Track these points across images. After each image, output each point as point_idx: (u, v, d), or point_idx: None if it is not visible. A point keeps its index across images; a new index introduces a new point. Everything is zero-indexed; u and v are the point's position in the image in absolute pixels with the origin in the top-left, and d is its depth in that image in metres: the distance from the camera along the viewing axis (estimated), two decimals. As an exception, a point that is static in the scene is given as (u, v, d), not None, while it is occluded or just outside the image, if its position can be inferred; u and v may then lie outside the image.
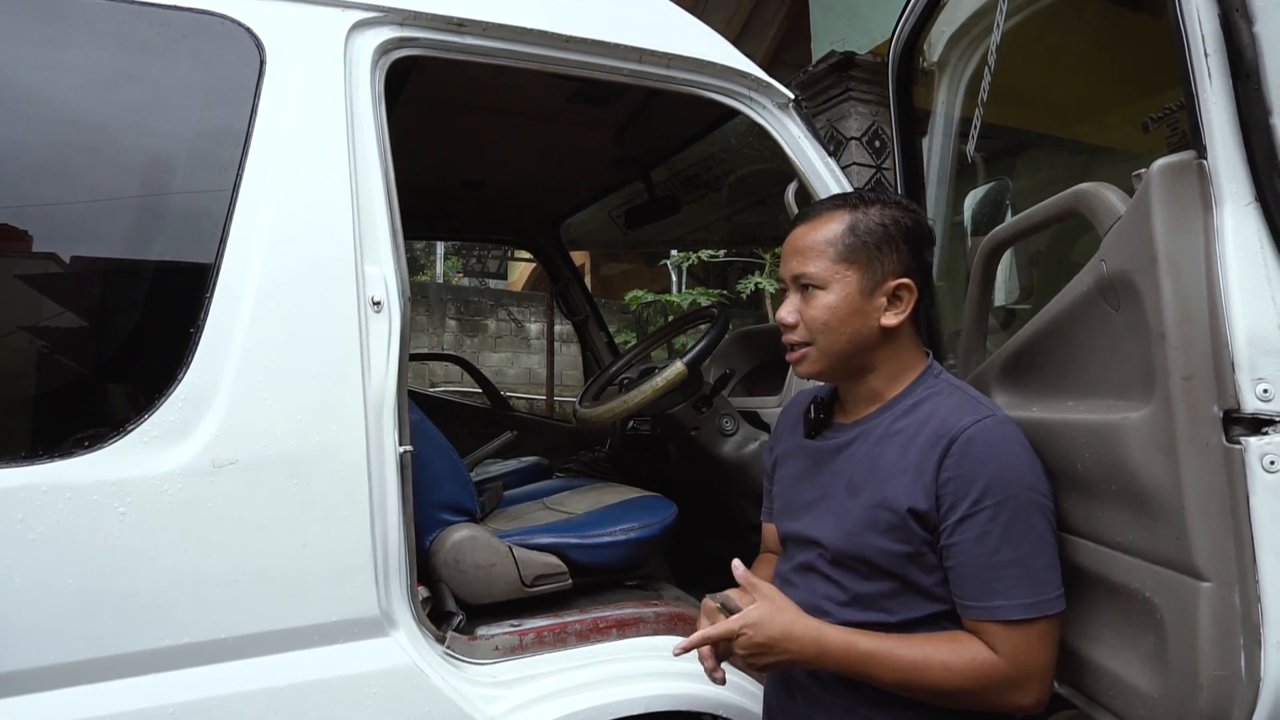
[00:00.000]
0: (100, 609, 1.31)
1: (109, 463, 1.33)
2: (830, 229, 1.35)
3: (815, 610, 1.32)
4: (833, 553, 1.33)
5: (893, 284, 1.33)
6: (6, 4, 1.39)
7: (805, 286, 1.35)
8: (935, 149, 2.16)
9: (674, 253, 10.20)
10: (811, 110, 4.38)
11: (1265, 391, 0.97)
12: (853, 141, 4.08)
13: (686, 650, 1.30)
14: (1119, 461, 1.10)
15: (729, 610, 1.30)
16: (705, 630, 1.29)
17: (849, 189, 2.20)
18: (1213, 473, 0.99)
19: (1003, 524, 1.20)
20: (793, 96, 2.16)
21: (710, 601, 1.37)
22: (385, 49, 1.67)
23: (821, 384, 1.53)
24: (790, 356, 1.40)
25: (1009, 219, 1.50)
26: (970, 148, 1.81)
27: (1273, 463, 0.97)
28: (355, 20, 1.63)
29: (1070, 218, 1.26)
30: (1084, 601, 1.26)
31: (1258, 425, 0.97)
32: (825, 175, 2.15)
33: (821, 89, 4.24)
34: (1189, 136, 1.02)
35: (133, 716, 1.32)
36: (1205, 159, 1.01)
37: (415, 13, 1.68)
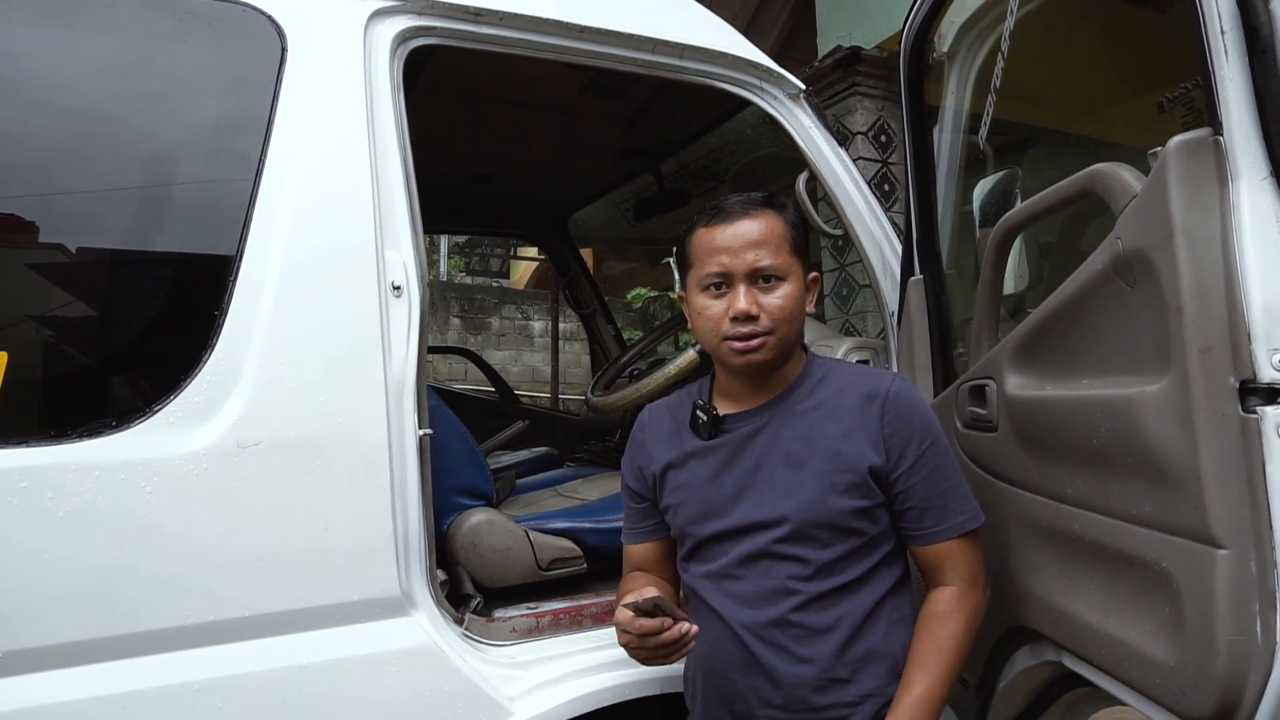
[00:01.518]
0: (127, 586, 1.33)
1: (136, 443, 1.34)
2: (778, 224, 1.42)
3: (780, 593, 1.36)
4: (794, 525, 1.35)
5: (810, 275, 1.47)
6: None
7: (766, 278, 1.38)
8: (945, 140, 2.17)
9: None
10: (819, 104, 4.41)
11: (1280, 362, 0.99)
12: (858, 136, 4.10)
13: None
14: (1135, 434, 1.12)
15: (665, 612, 1.25)
16: None
17: (860, 180, 2.22)
18: (1229, 442, 1.01)
19: (939, 458, 1.40)
20: (804, 87, 2.18)
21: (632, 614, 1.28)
22: (404, 37, 1.69)
23: (677, 391, 1.63)
24: (749, 345, 1.38)
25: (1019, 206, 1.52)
26: (982, 136, 1.83)
27: (1288, 432, 0.99)
28: (375, 8, 1.66)
29: (1086, 198, 1.28)
30: (1099, 575, 1.28)
31: (1274, 395, 0.99)
32: (836, 165, 2.17)
33: (827, 84, 4.26)
34: (1205, 113, 1.04)
35: (158, 693, 1.34)
36: (1221, 135, 1.03)
37: (433, 1, 1.71)
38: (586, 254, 11.37)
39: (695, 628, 1.28)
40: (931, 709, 1.32)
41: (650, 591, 1.32)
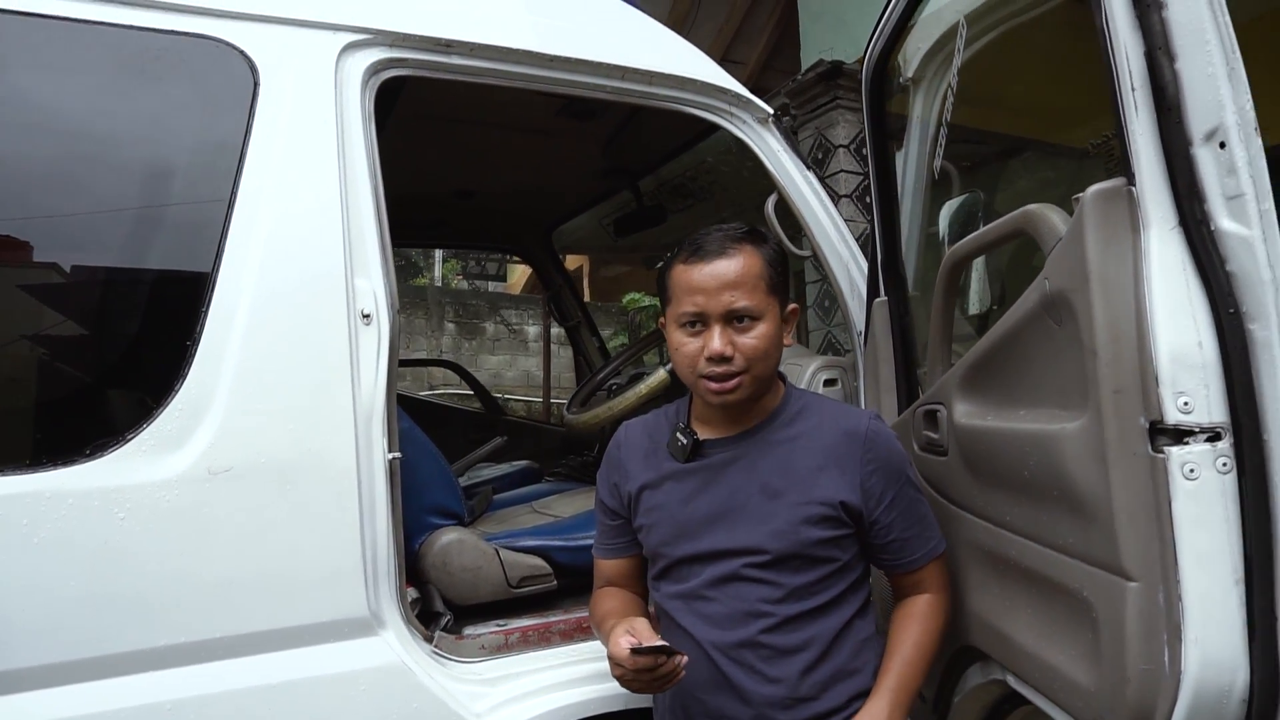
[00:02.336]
0: (101, 610, 1.37)
1: (109, 470, 1.39)
2: (755, 263, 1.42)
3: (750, 614, 1.41)
4: (772, 554, 1.39)
5: (789, 309, 1.50)
6: (16, 32, 1.45)
7: (740, 319, 1.40)
8: (911, 162, 2.22)
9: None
10: (801, 117, 4.46)
11: (1186, 404, 1.03)
12: (840, 149, 4.14)
13: None
14: (1058, 468, 1.17)
15: (662, 650, 1.29)
16: None
17: (827, 201, 2.26)
18: (1139, 479, 1.06)
19: (913, 492, 1.48)
20: (772, 112, 2.22)
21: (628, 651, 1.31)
22: (375, 69, 1.73)
23: (655, 411, 1.66)
24: (721, 386, 1.40)
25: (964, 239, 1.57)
26: (937, 165, 1.87)
27: (1192, 470, 1.03)
28: (346, 42, 1.69)
29: (1020, 237, 1.33)
30: (1034, 600, 1.32)
31: (1180, 436, 1.04)
32: (804, 188, 2.21)
33: (810, 97, 4.30)
34: (1120, 164, 1.09)
35: (133, 713, 1.38)
36: (1134, 185, 1.08)
37: (404, 35, 1.75)
38: (583, 258, 11.44)
39: (686, 658, 1.32)
40: (908, 694, 1.42)
41: (640, 624, 1.35)
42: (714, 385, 1.41)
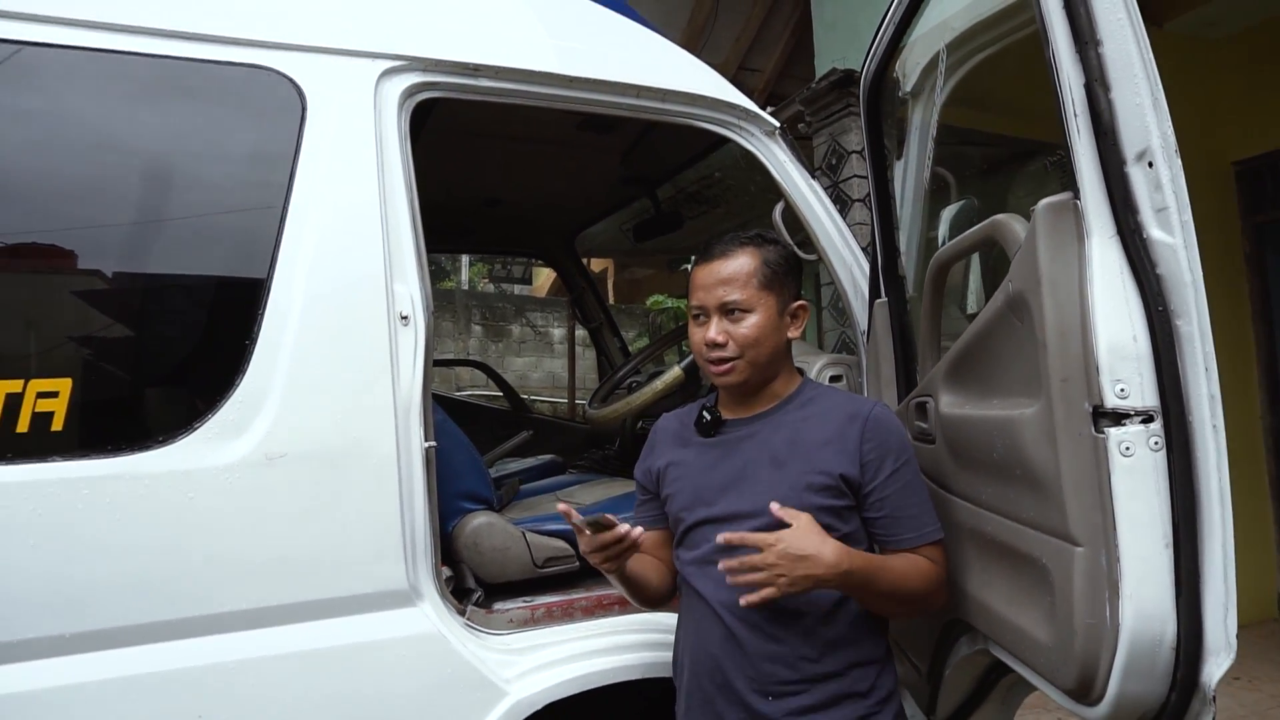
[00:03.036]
0: (174, 578, 1.55)
1: (179, 456, 1.56)
2: (748, 263, 1.61)
3: None
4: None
5: (794, 305, 1.66)
6: (91, 69, 1.63)
7: (732, 311, 1.59)
8: (910, 170, 2.35)
9: (694, 257, 10.41)
10: (815, 124, 4.59)
11: (1122, 390, 1.17)
12: (853, 155, 4.27)
13: (730, 542, 1.45)
14: (1018, 449, 1.31)
15: (600, 526, 1.48)
16: (746, 534, 1.44)
17: (831, 208, 2.41)
18: (1084, 457, 1.20)
19: (911, 476, 1.58)
20: (778, 125, 2.37)
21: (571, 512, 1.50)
22: (410, 92, 1.90)
23: (691, 404, 1.81)
24: (719, 369, 1.61)
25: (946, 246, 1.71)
26: (926, 175, 2.01)
27: (1128, 449, 1.17)
28: (384, 69, 1.86)
29: (991, 244, 1.47)
30: (1006, 571, 1.46)
31: (1118, 418, 1.18)
32: (809, 196, 2.36)
33: (824, 104, 4.43)
34: (1068, 180, 1.23)
35: (199, 671, 1.55)
36: (1079, 199, 1.22)
37: (436, 60, 1.91)
38: (608, 261, 11.59)
39: (638, 530, 1.52)
40: (864, 570, 1.47)
41: (608, 517, 1.53)
42: (714, 369, 1.62)
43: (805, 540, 1.42)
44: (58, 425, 1.50)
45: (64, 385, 1.51)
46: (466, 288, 14.51)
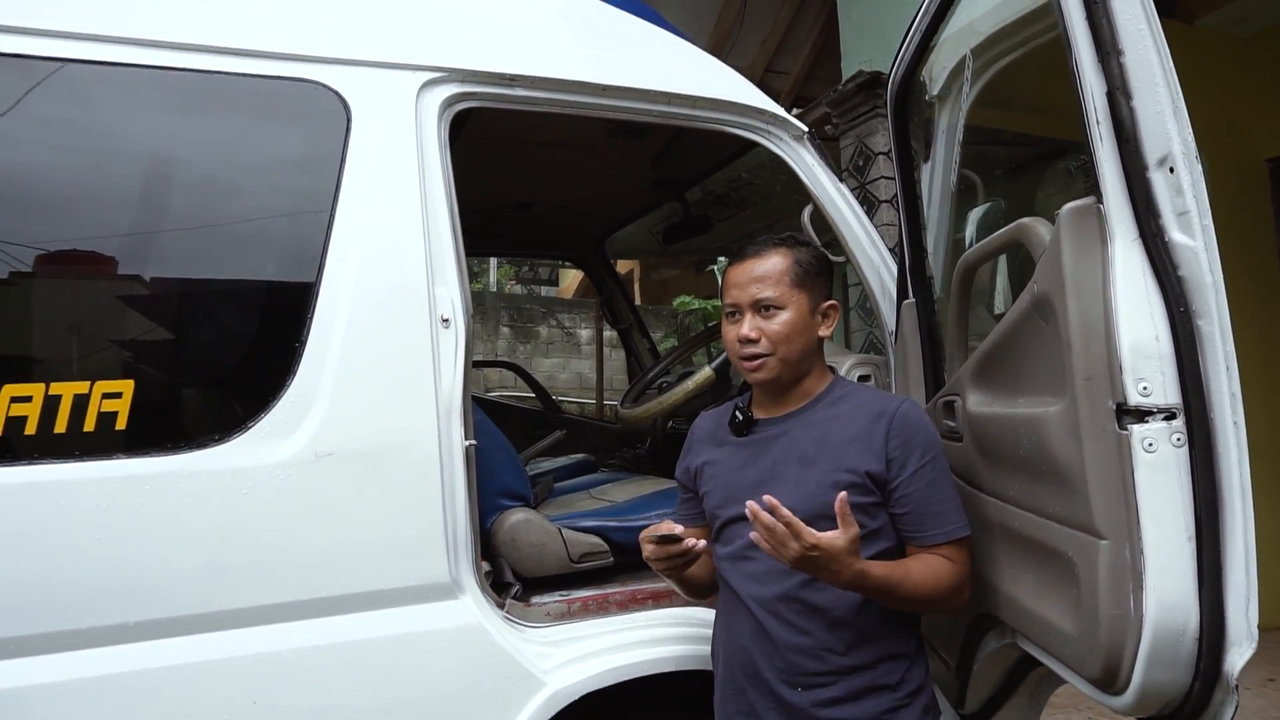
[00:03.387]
0: (228, 570, 1.62)
1: (234, 454, 1.64)
2: (781, 262, 1.67)
3: (785, 572, 1.57)
4: (801, 514, 1.56)
5: (825, 304, 1.70)
6: (149, 87, 1.71)
7: (766, 308, 1.64)
8: (937, 173, 2.38)
9: (721, 259, 10.45)
10: (842, 126, 4.62)
11: (1145, 389, 1.21)
12: (880, 156, 4.30)
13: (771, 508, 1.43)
14: (1044, 446, 1.35)
15: (669, 539, 1.55)
16: (795, 521, 1.41)
17: (859, 210, 2.45)
18: (1108, 453, 1.24)
19: (938, 473, 1.59)
20: (806, 129, 2.41)
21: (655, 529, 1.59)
22: (449, 103, 1.96)
23: (726, 403, 1.84)
24: (751, 365, 1.65)
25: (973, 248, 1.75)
26: (953, 179, 2.05)
27: (1151, 444, 1.21)
28: (424, 80, 1.93)
29: (1016, 247, 1.51)
30: (1033, 565, 1.50)
31: (1141, 415, 1.22)
32: (837, 199, 2.40)
33: (850, 106, 4.47)
34: (1091, 185, 1.27)
35: (253, 659, 1.63)
36: (1101, 204, 1.26)
37: (474, 71, 1.98)
38: (634, 262, 11.66)
39: (702, 543, 1.56)
40: (883, 580, 1.48)
41: (665, 524, 1.59)
42: (746, 365, 1.67)
43: (834, 560, 1.42)
44: (121, 424, 1.57)
45: (127, 387, 1.59)
46: (494, 289, 14.63)
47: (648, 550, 1.59)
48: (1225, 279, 1.20)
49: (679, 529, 1.57)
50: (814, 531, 1.40)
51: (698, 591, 1.82)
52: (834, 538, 1.41)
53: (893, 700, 1.57)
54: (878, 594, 1.50)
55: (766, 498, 1.42)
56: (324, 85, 1.84)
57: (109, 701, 1.54)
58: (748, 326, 1.65)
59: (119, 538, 1.55)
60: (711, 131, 2.33)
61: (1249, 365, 1.23)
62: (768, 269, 1.66)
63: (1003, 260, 2.18)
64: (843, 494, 1.43)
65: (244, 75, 1.78)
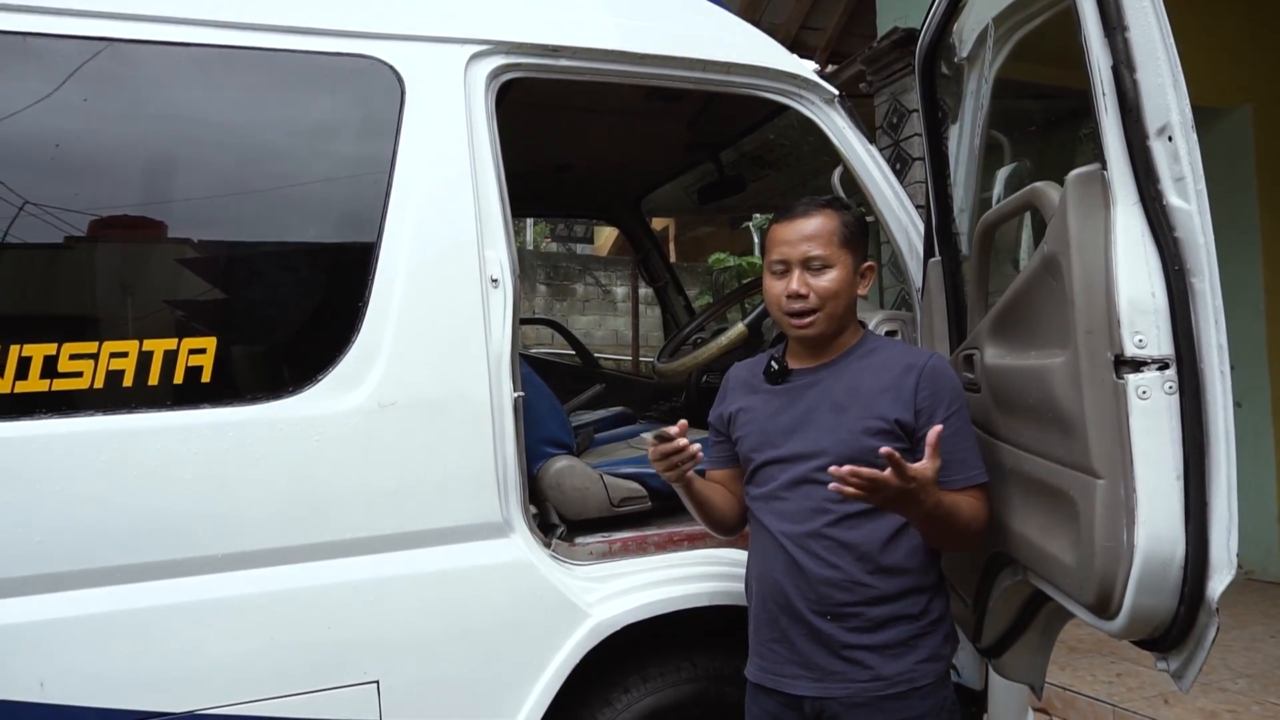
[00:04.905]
0: (303, 509, 1.79)
1: (306, 404, 1.80)
2: (830, 223, 1.76)
3: (816, 511, 1.71)
4: (832, 457, 1.68)
5: (864, 265, 1.81)
6: (212, 65, 1.84)
7: (816, 266, 1.74)
8: (965, 133, 2.45)
9: (756, 215, 10.48)
10: (876, 83, 4.65)
11: (1140, 340, 1.32)
12: (914, 114, 4.31)
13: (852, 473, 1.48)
14: (1050, 394, 1.46)
15: (664, 437, 1.69)
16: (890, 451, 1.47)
17: (888, 171, 2.53)
18: (1106, 400, 1.35)
19: (962, 423, 1.71)
20: (837, 92, 2.48)
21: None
22: (496, 74, 2.07)
23: (760, 354, 1.96)
24: (800, 322, 1.75)
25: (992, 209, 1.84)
26: (978, 142, 2.12)
27: (1145, 392, 1.32)
28: (472, 53, 2.03)
29: (1030, 208, 1.61)
30: (1041, 505, 1.62)
31: (1137, 365, 1.33)
32: (867, 160, 2.48)
33: (885, 64, 4.49)
34: (1096, 152, 1.36)
35: (325, 589, 1.80)
36: (1106, 170, 1.35)
37: (519, 43, 2.09)
38: (669, 220, 11.70)
39: (696, 446, 1.69)
40: (941, 509, 1.58)
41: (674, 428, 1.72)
42: (794, 321, 1.77)
43: (925, 489, 1.51)
44: (206, 377, 1.74)
45: (210, 343, 1.75)
46: (531, 248, 14.76)
47: (651, 454, 1.73)
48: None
49: (674, 430, 1.69)
50: (910, 465, 1.48)
51: (715, 520, 1.91)
52: (925, 467, 1.50)
53: (916, 628, 1.70)
54: (943, 522, 1.61)
55: (848, 466, 1.48)
56: (379, 60, 1.95)
57: (204, 622, 1.73)
58: (797, 282, 1.74)
59: (208, 479, 1.72)
60: (745, 96, 2.41)
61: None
62: (817, 228, 1.75)
63: (1028, 221, 2.26)
64: (931, 432, 1.51)
65: (309, 53, 1.90)
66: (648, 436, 1.70)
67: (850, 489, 1.48)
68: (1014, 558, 1.78)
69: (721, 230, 12.48)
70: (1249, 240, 5.08)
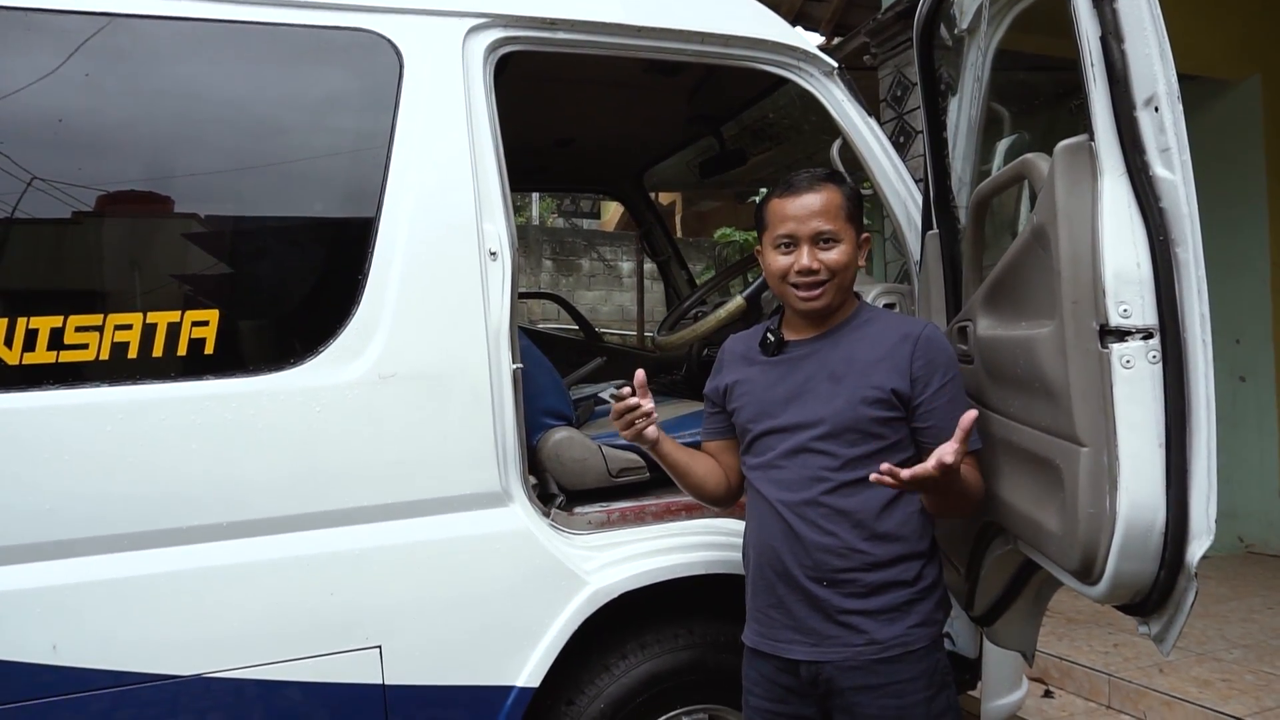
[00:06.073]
0: (305, 478, 1.83)
1: (307, 375, 1.83)
2: (836, 197, 1.77)
3: (813, 479, 1.74)
4: (828, 427, 1.72)
5: (861, 237, 1.82)
6: (211, 39, 1.85)
7: (825, 240, 1.76)
8: (964, 106, 2.45)
9: (762, 190, 10.43)
10: (881, 55, 4.63)
11: (1125, 311, 1.33)
12: (917, 86, 4.31)
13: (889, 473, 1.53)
14: (1037, 364, 1.48)
15: (619, 397, 1.76)
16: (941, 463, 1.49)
17: (887, 144, 2.53)
18: (1090, 370, 1.37)
19: (956, 391, 1.74)
20: (836, 65, 2.49)
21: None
22: (494, 47, 2.08)
23: (756, 326, 1.99)
24: (811, 294, 1.76)
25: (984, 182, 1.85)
26: (976, 116, 2.12)
27: (1129, 361, 1.34)
28: (470, 26, 2.04)
29: (1021, 180, 1.62)
30: (1029, 473, 1.64)
31: (1121, 335, 1.35)
32: (866, 133, 2.48)
33: (889, 35, 4.47)
34: (1085, 123, 1.37)
35: (328, 558, 1.84)
36: (1093, 140, 1.36)
37: (517, 16, 2.09)
38: (675, 195, 11.67)
39: (649, 403, 1.76)
40: (966, 481, 1.65)
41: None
42: (802, 294, 1.78)
43: (951, 471, 1.52)
44: (209, 349, 1.77)
45: (213, 316, 1.78)
46: (537, 223, 14.75)
47: (613, 413, 1.78)
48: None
49: (626, 390, 1.76)
50: (945, 457, 1.50)
51: (695, 486, 1.96)
52: (957, 451, 1.52)
53: (909, 594, 1.73)
54: (961, 492, 1.65)
55: (885, 466, 1.54)
56: (377, 34, 1.96)
57: (211, 589, 1.77)
58: (808, 257, 1.75)
59: (211, 449, 1.76)
60: (744, 69, 2.42)
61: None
62: (825, 203, 1.76)
63: (1026, 192, 2.27)
64: (968, 414, 1.53)
65: (306, 27, 1.91)
66: (606, 395, 1.74)
67: (890, 480, 1.53)
68: (1004, 527, 1.81)
69: (728, 205, 12.43)
70: (1256, 211, 5.04)
